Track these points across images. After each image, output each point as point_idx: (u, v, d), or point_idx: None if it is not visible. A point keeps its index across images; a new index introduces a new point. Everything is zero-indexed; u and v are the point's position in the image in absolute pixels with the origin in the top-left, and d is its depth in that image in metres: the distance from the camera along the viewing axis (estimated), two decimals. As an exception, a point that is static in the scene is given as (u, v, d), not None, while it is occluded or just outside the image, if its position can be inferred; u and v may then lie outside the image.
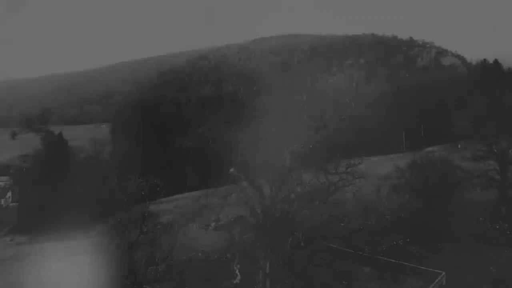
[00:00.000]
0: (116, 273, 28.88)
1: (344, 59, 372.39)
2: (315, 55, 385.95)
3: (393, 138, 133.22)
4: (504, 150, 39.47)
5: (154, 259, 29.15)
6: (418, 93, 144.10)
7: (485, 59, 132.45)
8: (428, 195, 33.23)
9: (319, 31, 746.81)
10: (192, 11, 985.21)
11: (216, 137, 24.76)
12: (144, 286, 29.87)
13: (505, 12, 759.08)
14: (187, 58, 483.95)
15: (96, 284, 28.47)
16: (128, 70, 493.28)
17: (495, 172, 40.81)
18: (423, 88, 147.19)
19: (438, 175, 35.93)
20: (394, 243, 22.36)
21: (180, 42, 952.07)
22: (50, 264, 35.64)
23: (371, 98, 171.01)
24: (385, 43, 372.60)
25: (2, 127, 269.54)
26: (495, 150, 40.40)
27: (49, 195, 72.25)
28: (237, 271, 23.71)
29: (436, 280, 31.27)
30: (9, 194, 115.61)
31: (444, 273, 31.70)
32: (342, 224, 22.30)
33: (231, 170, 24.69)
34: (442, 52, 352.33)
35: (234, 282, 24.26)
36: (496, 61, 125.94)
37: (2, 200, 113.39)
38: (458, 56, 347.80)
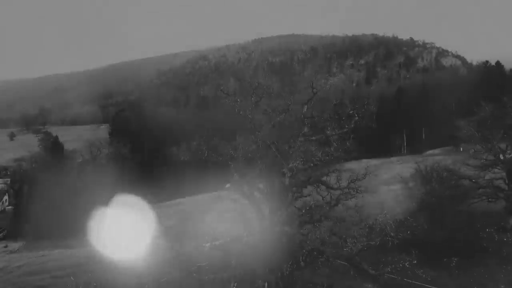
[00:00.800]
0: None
1: (344, 60, 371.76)
2: (315, 56, 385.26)
3: (393, 140, 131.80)
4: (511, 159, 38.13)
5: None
6: (419, 95, 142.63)
7: (487, 61, 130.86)
8: (434, 207, 31.88)
9: (319, 31, 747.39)
10: (193, 11, 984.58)
11: (212, 149, 23.34)
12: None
13: (505, 12, 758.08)
14: (187, 58, 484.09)
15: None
16: (128, 70, 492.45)
17: (502, 181, 39.41)
18: (424, 89, 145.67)
19: (444, 186, 34.54)
20: (401, 264, 20.95)
21: (180, 42, 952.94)
22: (37, 278, 34.17)
23: (371, 99, 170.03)
24: (385, 44, 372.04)
25: (1, 127, 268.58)
26: (502, 158, 38.98)
27: (44, 200, 70.92)
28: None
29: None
30: (6, 197, 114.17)
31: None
32: (346, 249, 20.76)
33: (227, 185, 23.36)
34: (442, 53, 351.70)
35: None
36: (498, 63, 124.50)
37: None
38: (459, 57, 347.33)
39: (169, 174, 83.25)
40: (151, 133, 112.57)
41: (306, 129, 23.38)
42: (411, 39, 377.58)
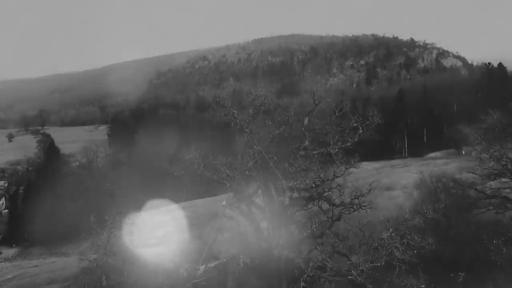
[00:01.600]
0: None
1: (344, 60, 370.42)
2: (315, 56, 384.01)
3: (394, 142, 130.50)
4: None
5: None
6: (420, 96, 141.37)
7: (489, 63, 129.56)
8: (440, 219, 30.59)
9: (319, 32, 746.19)
10: (192, 11, 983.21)
11: (207, 164, 22.06)
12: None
13: (505, 12, 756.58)
14: (187, 58, 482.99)
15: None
16: (128, 70, 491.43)
17: (509, 190, 38.01)
18: (425, 91, 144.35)
19: (450, 197, 33.24)
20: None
21: (180, 42, 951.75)
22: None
23: (372, 100, 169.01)
24: (385, 44, 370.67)
25: (0, 128, 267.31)
26: (510, 167, 37.61)
27: (39, 205, 69.81)
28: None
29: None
30: (3, 200, 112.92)
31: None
32: (349, 274, 19.48)
33: (223, 203, 22.13)
34: (443, 53, 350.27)
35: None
36: (500, 64, 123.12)
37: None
38: (459, 57, 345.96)
39: (167, 179, 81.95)
40: (150, 136, 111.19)
41: (307, 143, 22.10)
42: (412, 39, 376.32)
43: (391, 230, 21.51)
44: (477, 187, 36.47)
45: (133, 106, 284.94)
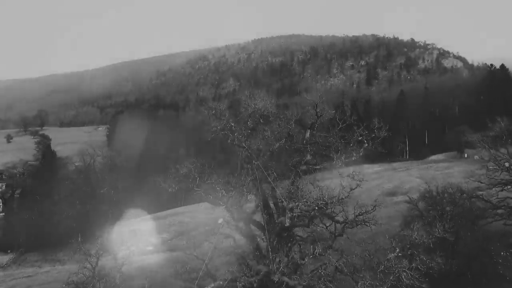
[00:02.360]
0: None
1: (345, 60, 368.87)
2: (315, 56, 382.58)
3: (395, 145, 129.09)
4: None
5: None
6: (422, 98, 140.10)
7: (491, 64, 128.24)
8: (447, 231, 29.29)
9: (319, 32, 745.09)
10: (192, 11, 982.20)
11: (203, 181, 20.79)
12: None
13: (505, 12, 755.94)
14: (187, 59, 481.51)
15: None
16: (127, 71, 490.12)
17: (517, 199, 36.75)
18: (426, 92, 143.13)
19: (457, 210, 31.96)
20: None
21: (180, 42, 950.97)
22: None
23: (373, 102, 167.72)
24: (386, 44, 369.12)
25: (0, 128, 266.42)
26: (518, 176, 36.33)
27: (34, 210, 68.57)
28: None
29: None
30: (0, 203, 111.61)
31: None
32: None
33: (220, 220, 20.89)
34: (443, 54, 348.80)
35: None
36: (503, 66, 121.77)
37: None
38: (460, 58, 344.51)
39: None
40: (149, 139, 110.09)
41: (309, 157, 20.81)
42: (412, 39, 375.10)
43: (397, 251, 20.25)
44: (484, 197, 35.25)
45: (133, 106, 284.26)
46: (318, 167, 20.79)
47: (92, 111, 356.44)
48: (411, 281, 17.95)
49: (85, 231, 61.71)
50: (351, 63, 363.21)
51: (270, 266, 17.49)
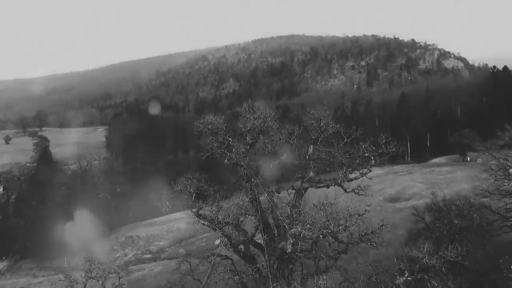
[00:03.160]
0: None
1: (345, 61, 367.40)
2: (316, 57, 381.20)
3: (397, 147, 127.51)
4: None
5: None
6: (423, 99, 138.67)
7: (494, 66, 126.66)
8: (459, 256, 28.00)
9: (319, 32, 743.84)
10: (192, 11, 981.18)
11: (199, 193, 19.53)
12: None
13: (505, 12, 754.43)
14: (187, 59, 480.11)
15: None
16: (127, 71, 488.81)
17: (526, 209, 35.41)
18: (428, 94, 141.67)
19: (465, 223, 30.66)
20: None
21: (180, 43, 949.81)
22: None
23: (373, 103, 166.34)
24: (386, 45, 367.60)
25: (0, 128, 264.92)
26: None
27: (30, 216, 67.23)
28: None
29: None
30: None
31: None
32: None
33: (217, 242, 19.62)
34: (444, 54, 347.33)
35: None
36: (505, 68, 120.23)
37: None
38: (460, 58, 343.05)
39: (163, 186, 79.45)
40: (148, 142, 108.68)
41: (312, 174, 19.48)
42: (413, 40, 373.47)
43: (406, 275, 18.97)
44: (492, 208, 33.98)
45: (132, 107, 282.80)
46: (321, 185, 19.48)
47: (92, 111, 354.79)
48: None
49: (81, 238, 60.56)
50: (351, 64, 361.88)
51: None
